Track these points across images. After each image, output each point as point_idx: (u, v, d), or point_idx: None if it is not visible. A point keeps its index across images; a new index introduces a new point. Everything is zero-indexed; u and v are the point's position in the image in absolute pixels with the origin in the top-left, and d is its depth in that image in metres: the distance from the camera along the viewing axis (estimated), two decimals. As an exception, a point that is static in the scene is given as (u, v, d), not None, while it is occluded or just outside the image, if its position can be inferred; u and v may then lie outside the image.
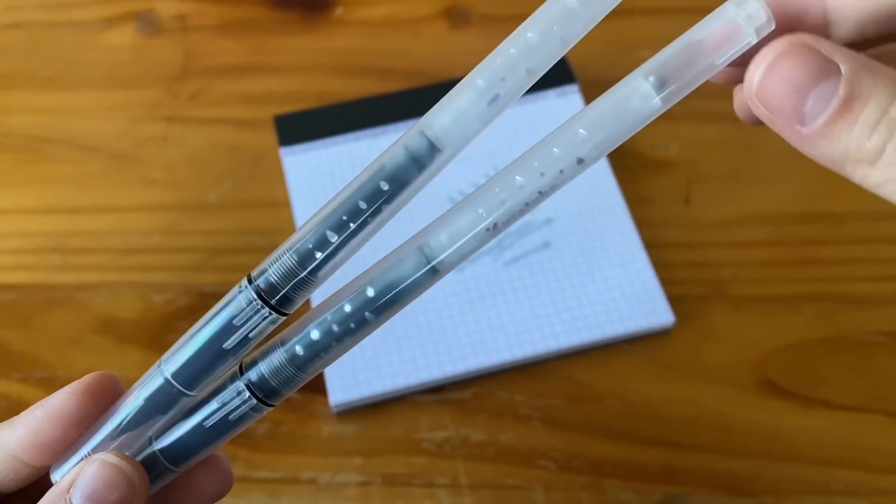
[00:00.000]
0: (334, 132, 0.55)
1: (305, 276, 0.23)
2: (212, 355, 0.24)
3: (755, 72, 0.20)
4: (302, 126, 0.55)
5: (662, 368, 0.48)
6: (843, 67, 0.19)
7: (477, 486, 0.44)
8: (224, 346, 0.24)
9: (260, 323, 0.24)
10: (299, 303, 0.24)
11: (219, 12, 0.62)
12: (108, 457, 0.25)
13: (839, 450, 0.45)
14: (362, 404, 0.46)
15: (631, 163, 0.54)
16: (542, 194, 0.22)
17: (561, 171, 0.22)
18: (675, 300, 0.48)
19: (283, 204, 0.53)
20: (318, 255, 0.23)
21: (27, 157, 0.56)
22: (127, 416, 0.26)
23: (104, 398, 0.27)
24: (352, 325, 0.24)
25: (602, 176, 0.52)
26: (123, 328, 0.49)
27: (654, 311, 0.48)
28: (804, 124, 0.20)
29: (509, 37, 0.22)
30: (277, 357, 0.25)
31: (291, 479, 0.44)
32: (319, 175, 0.53)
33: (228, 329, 0.24)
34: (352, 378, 0.46)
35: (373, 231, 0.23)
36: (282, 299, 0.24)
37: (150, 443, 0.26)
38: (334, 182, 0.53)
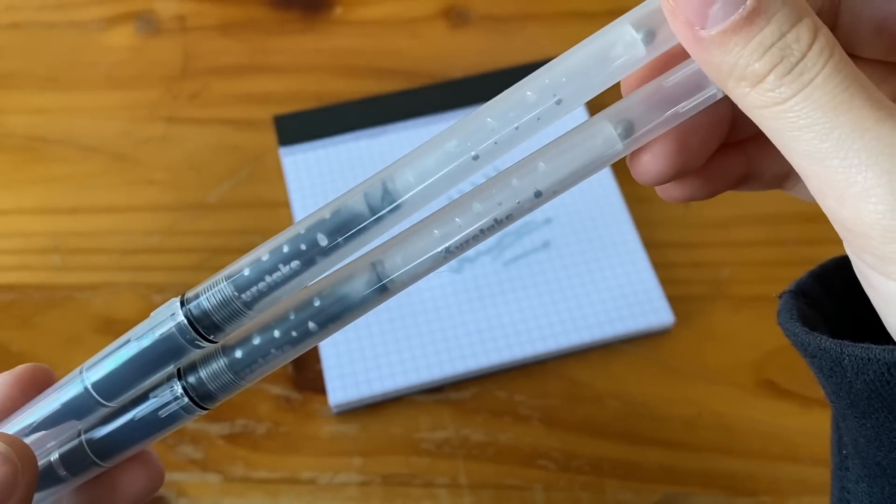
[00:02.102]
0: (334, 132, 0.55)
1: (240, 307, 0.23)
2: (135, 371, 0.24)
3: None
4: (301, 126, 0.55)
5: (662, 368, 0.48)
6: None
7: (476, 486, 0.44)
8: (148, 362, 0.24)
9: (187, 347, 0.24)
10: (230, 332, 0.24)
11: (218, 12, 0.62)
12: None
13: (839, 450, 0.45)
14: (362, 404, 0.46)
15: (631, 163, 0.54)
16: (499, 223, 0.22)
17: (518, 203, 0.22)
18: (674, 300, 0.48)
19: (283, 204, 0.53)
20: (259, 287, 0.23)
21: (27, 157, 0.56)
22: (41, 417, 0.25)
23: (35, 390, 0.26)
24: (294, 335, 0.24)
25: (602, 176, 0.52)
26: (123, 328, 0.48)
27: (653, 311, 0.48)
28: (704, 26, 0.19)
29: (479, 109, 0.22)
30: (217, 363, 0.24)
31: (291, 479, 0.44)
32: (319, 175, 0.53)
33: (154, 347, 0.24)
34: (351, 378, 0.46)
35: (317, 273, 0.23)
36: (212, 327, 0.23)
37: (77, 434, 0.26)
38: (334, 182, 0.53)
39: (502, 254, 0.50)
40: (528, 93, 0.21)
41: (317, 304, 0.23)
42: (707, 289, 0.50)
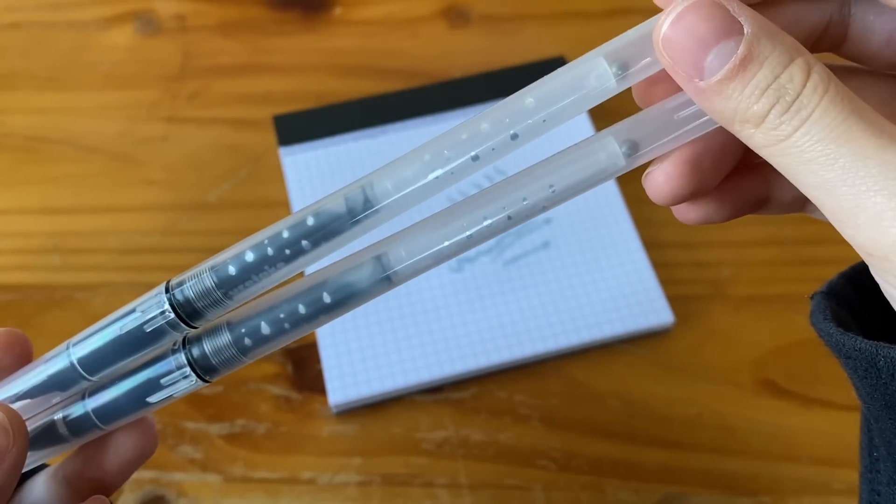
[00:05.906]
0: (333, 132, 0.55)
1: (220, 297, 0.25)
2: (118, 350, 0.26)
3: (664, 20, 0.20)
4: (301, 126, 0.55)
5: (662, 368, 0.48)
6: (746, 28, 0.20)
7: (476, 486, 0.44)
8: (130, 343, 0.25)
9: (167, 330, 0.25)
10: (211, 318, 0.25)
11: (218, 12, 0.62)
12: None
13: (839, 449, 0.45)
14: (362, 404, 0.46)
15: (630, 162, 0.54)
16: (500, 228, 0.24)
17: (519, 210, 0.24)
18: (674, 300, 0.48)
19: (283, 204, 0.53)
20: (238, 279, 0.25)
21: (26, 157, 0.56)
22: (27, 387, 0.27)
23: (11, 353, 0.28)
24: (304, 325, 0.25)
25: (602, 176, 0.52)
26: (123, 328, 0.49)
27: (653, 311, 0.48)
28: (702, 78, 0.20)
29: (464, 122, 0.23)
30: (223, 339, 0.25)
31: (291, 479, 0.44)
32: (319, 175, 0.53)
33: (138, 330, 0.25)
34: (351, 378, 0.46)
35: (294, 269, 0.24)
36: (193, 313, 0.25)
37: (82, 398, 0.27)
38: (333, 182, 0.53)
39: (502, 254, 0.50)
40: (505, 116, 0.23)
41: (327, 300, 0.24)
42: (707, 289, 0.50)
